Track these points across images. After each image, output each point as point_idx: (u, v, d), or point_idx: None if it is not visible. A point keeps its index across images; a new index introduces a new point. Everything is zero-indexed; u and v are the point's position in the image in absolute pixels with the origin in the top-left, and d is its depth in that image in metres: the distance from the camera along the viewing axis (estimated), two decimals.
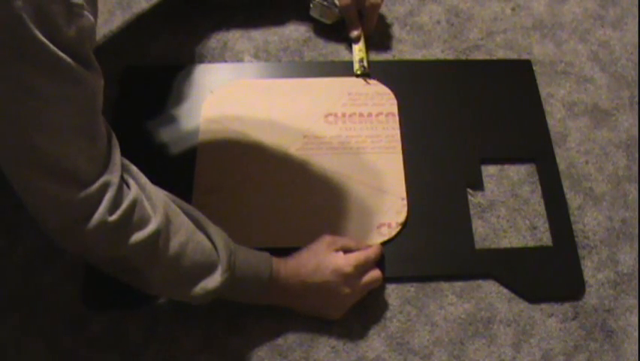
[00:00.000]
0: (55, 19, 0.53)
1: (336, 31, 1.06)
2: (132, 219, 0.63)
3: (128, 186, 0.65)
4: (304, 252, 0.79)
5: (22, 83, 0.53)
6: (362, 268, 0.79)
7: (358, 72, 1.00)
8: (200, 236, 0.71)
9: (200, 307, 0.82)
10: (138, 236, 0.64)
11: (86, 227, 0.60)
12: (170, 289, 0.72)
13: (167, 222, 0.66)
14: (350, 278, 0.78)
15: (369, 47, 1.03)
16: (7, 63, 0.52)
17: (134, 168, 0.67)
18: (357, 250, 0.81)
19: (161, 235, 0.66)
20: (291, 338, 0.81)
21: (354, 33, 1.02)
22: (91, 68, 0.58)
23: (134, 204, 0.64)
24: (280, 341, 0.81)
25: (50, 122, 0.56)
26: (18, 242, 0.86)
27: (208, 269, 0.70)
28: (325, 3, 1.01)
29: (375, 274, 0.80)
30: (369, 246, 0.83)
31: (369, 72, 1.00)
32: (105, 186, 0.61)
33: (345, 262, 0.78)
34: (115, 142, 0.65)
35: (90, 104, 0.60)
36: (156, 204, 0.66)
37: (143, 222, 0.65)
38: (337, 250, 0.79)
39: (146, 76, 1.00)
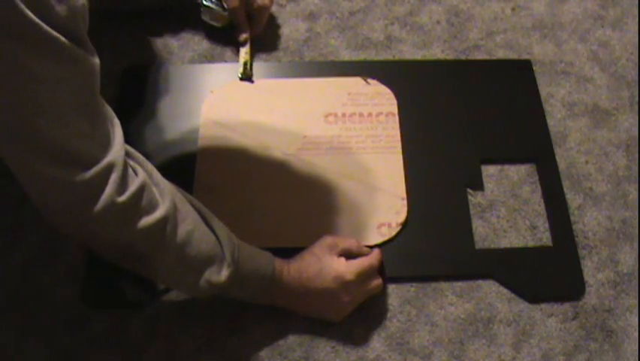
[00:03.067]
0: None
1: (336, 31, 1.06)
2: (141, 203, 0.63)
3: (135, 172, 0.64)
4: (306, 255, 0.79)
5: (16, 65, 0.52)
6: (364, 276, 0.78)
7: (240, 75, 0.99)
8: (205, 227, 0.71)
9: (200, 307, 0.82)
10: (147, 221, 0.63)
11: (94, 209, 0.60)
12: (175, 278, 0.72)
13: (174, 209, 0.66)
14: (351, 286, 0.77)
15: (254, 51, 1.03)
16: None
17: (140, 155, 0.67)
18: (359, 252, 0.81)
19: (169, 222, 0.65)
20: (291, 338, 0.81)
21: (242, 36, 1.02)
22: (86, 48, 0.57)
23: (142, 188, 0.63)
24: (280, 340, 0.81)
25: (48, 103, 0.55)
26: (18, 242, 0.86)
27: (212, 261, 0.70)
28: (214, 7, 1.00)
29: (377, 282, 0.80)
30: (370, 248, 0.82)
31: (252, 75, 1.00)
32: (110, 167, 0.60)
33: (346, 269, 0.77)
34: (116, 122, 0.64)
35: (88, 84, 0.59)
36: (164, 190, 0.66)
37: (152, 207, 0.64)
38: (339, 254, 0.79)
39: (146, 76, 1.00)
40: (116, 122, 0.64)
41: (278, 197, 0.89)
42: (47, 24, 0.52)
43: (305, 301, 0.79)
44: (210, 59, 1.03)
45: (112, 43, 1.03)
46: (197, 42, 1.05)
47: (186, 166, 0.91)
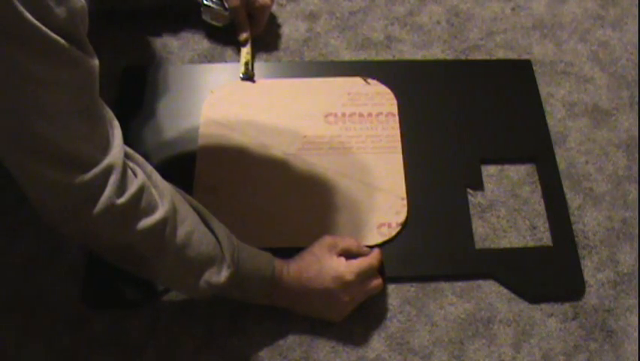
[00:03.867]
0: (44, 0, 0.51)
1: (336, 31, 1.06)
2: (140, 204, 0.63)
3: (135, 174, 0.64)
4: (306, 255, 0.79)
5: (15, 68, 0.52)
6: (364, 276, 0.78)
7: (241, 75, 0.99)
8: (205, 229, 0.71)
9: (200, 307, 0.82)
10: (146, 223, 0.63)
11: (93, 211, 0.60)
12: (175, 279, 0.72)
13: (174, 210, 0.66)
14: (351, 286, 0.77)
15: (255, 50, 1.03)
16: None
17: (139, 157, 0.67)
18: (358, 252, 0.81)
19: (168, 223, 0.65)
20: (291, 338, 0.81)
21: (243, 36, 1.02)
22: (85, 50, 0.57)
23: (141, 190, 0.63)
24: (280, 340, 0.81)
25: (48, 106, 0.55)
26: (18, 242, 0.86)
27: (212, 262, 0.70)
28: (215, 6, 1.00)
29: (377, 282, 0.80)
30: (369, 248, 0.82)
31: (254, 75, 1.00)
32: (109, 169, 0.60)
33: (346, 269, 0.77)
34: (116, 124, 0.64)
35: (87, 86, 0.59)
36: (163, 192, 0.66)
37: (151, 209, 0.64)
38: (339, 254, 0.79)
39: (146, 76, 1.00)
40: (115, 123, 0.64)
41: (278, 197, 0.89)
42: (47, 26, 0.52)
43: (305, 302, 0.79)
44: (210, 59, 1.03)
45: (111, 44, 1.03)
46: (197, 42, 1.05)
47: (186, 166, 0.91)
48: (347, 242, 0.81)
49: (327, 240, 0.80)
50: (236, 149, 0.93)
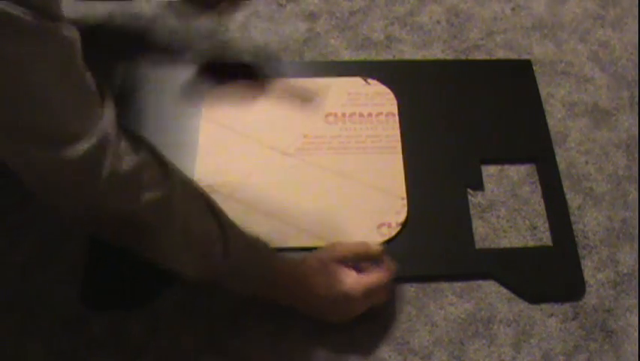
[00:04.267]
0: None
1: (336, 31, 1.06)
2: (143, 176, 0.63)
3: (138, 148, 0.64)
4: (314, 262, 0.77)
5: None
6: (370, 293, 0.77)
7: None
8: (209, 209, 0.71)
9: (201, 307, 0.82)
10: (154, 194, 0.63)
11: (97, 182, 0.59)
12: (177, 252, 0.70)
13: (182, 184, 0.67)
14: (355, 302, 0.77)
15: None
16: None
17: (142, 136, 0.67)
18: (367, 254, 0.79)
19: (174, 195, 0.66)
20: (292, 339, 0.81)
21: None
22: (59, 21, 0.54)
23: (144, 162, 0.63)
24: (281, 341, 0.81)
25: (33, 86, 0.53)
26: (18, 242, 0.86)
27: (216, 240, 0.70)
28: None
29: (382, 298, 0.79)
30: (380, 246, 0.81)
31: None
32: (104, 139, 0.59)
33: (354, 285, 0.75)
34: (108, 94, 0.62)
35: (68, 58, 0.56)
36: (168, 167, 0.67)
37: (156, 182, 0.64)
38: (348, 264, 0.77)
39: (146, 76, 1.00)
40: (108, 94, 0.62)
41: (277, 197, 0.89)
42: (11, 2, 0.49)
43: (307, 303, 0.78)
44: (211, 59, 1.03)
45: (111, 44, 1.03)
46: (197, 42, 1.05)
47: (186, 166, 0.91)
48: (353, 248, 0.79)
49: (334, 249, 0.78)
50: (235, 149, 0.93)
